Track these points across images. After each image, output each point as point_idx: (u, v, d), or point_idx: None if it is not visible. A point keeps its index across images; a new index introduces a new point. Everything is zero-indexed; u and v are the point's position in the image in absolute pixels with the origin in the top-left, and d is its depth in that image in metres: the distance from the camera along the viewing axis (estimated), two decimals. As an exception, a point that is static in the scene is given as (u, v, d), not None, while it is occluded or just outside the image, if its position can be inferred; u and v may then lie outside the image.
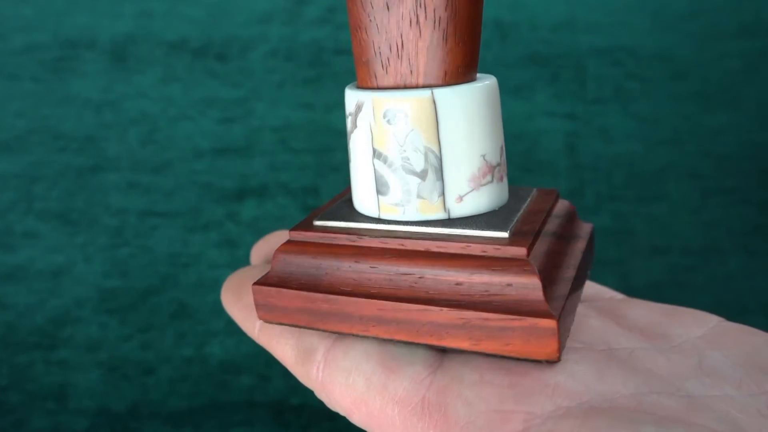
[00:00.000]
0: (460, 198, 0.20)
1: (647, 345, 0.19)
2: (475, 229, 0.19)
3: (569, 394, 0.17)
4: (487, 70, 0.46)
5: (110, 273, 0.44)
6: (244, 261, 0.43)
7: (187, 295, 0.44)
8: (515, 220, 0.20)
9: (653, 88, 0.46)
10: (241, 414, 0.42)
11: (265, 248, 0.29)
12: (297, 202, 0.45)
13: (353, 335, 0.20)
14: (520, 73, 0.46)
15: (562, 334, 0.18)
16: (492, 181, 0.21)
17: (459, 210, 0.20)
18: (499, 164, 0.21)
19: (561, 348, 0.17)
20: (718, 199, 0.45)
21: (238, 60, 0.45)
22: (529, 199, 0.22)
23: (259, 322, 0.22)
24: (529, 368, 0.18)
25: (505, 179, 0.22)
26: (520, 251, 0.18)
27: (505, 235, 0.19)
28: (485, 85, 0.20)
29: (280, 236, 0.28)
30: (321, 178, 0.45)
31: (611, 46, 0.46)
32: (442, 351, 0.19)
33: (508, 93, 0.45)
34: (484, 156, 0.20)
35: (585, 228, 0.24)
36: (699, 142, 0.45)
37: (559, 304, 0.18)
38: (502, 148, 0.21)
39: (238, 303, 0.23)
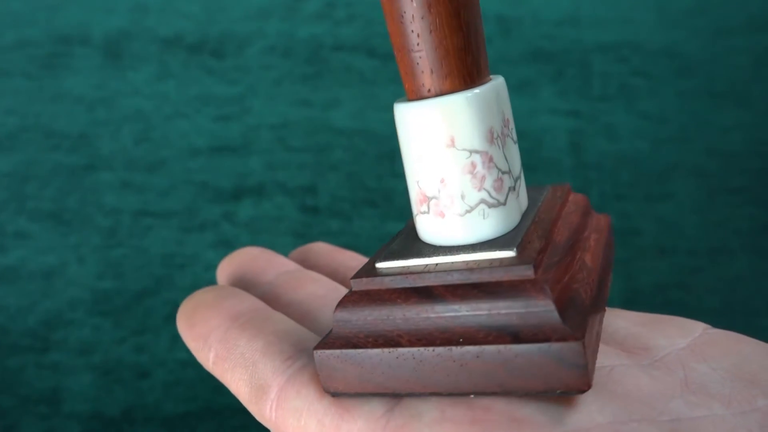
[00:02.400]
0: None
1: (628, 361, 0.18)
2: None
3: (537, 428, 0.16)
4: (490, 67, 0.46)
5: (104, 274, 0.44)
6: (241, 262, 0.43)
7: (182, 297, 0.44)
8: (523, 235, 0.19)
9: (659, 84, 0.45)
10: (237, 419, 0.42)
11: (230, 267, 0.28)
12: (295, 201, 0.44)
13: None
14: (524, 69, 0.45)
15: (591, 357, 0.16)
16: (428, 212, 0.20)
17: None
18: (436, 197, 0.19)
19: (592, 374, 0.16)
20: (726, 199, 0.45)
21: (234, 56, 0.45)
22: (541, 202, 0.21)
23: (213, 353, 0.21)
24: (493, 401, 0.17)
25: (484, 213, 0.20)
26: (527, 271, 0.17)
27: (512, 253, 0.18)
28: (398, 107, 0.20)
29: (247, 254, 0.27)
30: (320, 177, 0.45)
31: (617, 42, 0.45)
32: None
33: (511, 90, 0.45)
34: (418, 182, 0.20)
35: (601, 221, 0.23)
36: (706, 140, 0.45)
37: (581, 322, 0.16)
38: (442, 180, 0.19)
39: (192, 331, 0.22)
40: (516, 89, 0.45)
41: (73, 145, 0.44)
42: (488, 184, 0.19)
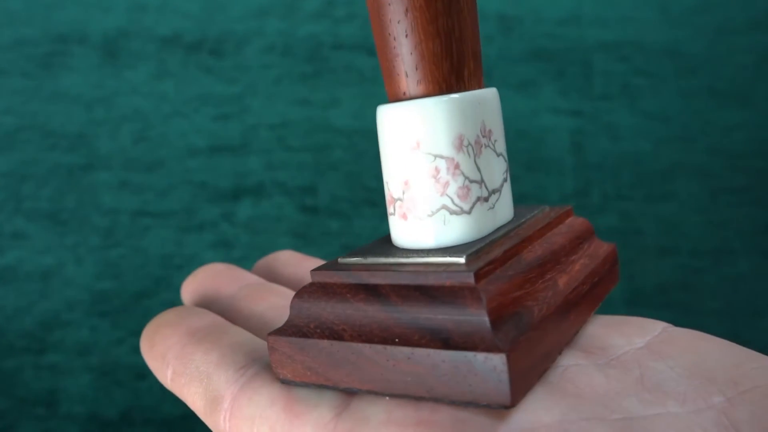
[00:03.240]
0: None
1: (584, 361, 0.18)
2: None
3: (482, 428, 0.16)
4: (490, 65, 0.46)
5: (102, 275, 0.44)
6: (240, 262, 0.43)
7: (180, 298, 0.44)
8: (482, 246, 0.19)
9: (662, 84, 0.45)
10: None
11: (193, 284, 0.28)
12: (294, 201, 0.44)
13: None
14: (525, 68, 0.45)
15: (521, 374, 0.16)
16: (394, 214, 0.20)
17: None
18: (401, 199, 0.20)
19: (519, 391, 0.16)
20: (729, 199, 0.45)
21: (233, 55, 0.45)
22: (526, 219, 0.21)
23: (170, 370, 0.21)
24: (439, 402, 0.17)
25: (444, 218, 0.20)
26: (468, 278, 0.17)
27: (461, 260, 0.18)
28: (378, 108, 0.20)
29: (211, 270, 0.28)
30: (319, 177, 0.45)
31: (618, 40, 0.45)
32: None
33: (512, 89, 0.45)
34: (387, 184, 0.20)
35: (601, 249, 0.22)
36: (709, 140, 0.45)
37: (517, 337, 0.16)
38: (406, 182, 0.20)
39: (152, 351, 0.23)
40: (517, 88, 0.45)
41: (71, 144, 0.44)
42: (451, 190, 0.19)
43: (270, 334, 0.19)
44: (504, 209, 0.21)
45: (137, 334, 0.43)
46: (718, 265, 0.44)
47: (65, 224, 0.44)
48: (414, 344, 0.17)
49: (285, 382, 0.19)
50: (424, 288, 0.17)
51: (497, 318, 0.16)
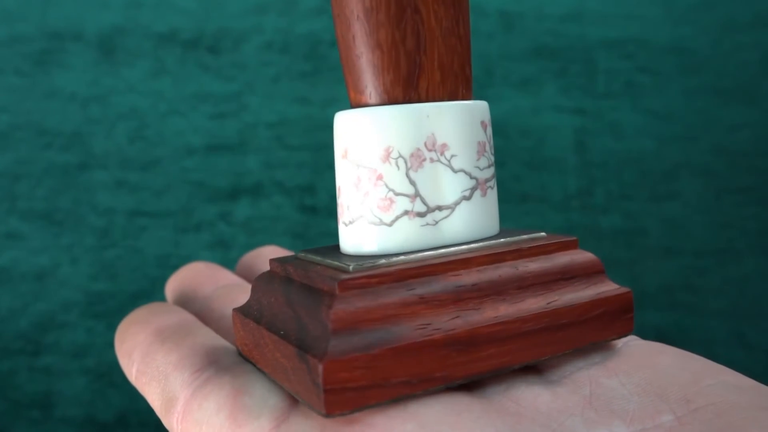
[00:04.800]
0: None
1: (535, 378, 0.18)
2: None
3: None
4: (491, 63, 0.46)
5: (97, 275, 0.44)
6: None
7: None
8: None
9: (666, 81, 0.45)
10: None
11: (175, 283, 0.28)
12: (293, 201, 0.44)
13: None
14: (527, 66, 0.45)
15: (348, 387, 0.16)
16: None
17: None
18: (337, 203, 0.21)
19: (341, 404, 0.16)
20: (734, 198, 0.45)
21: (231, 53, 0.45)
22: (495, 243, 0.20)
23: (135, 367, 0.22)
24: (374, 414, 0.16)
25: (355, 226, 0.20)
26: (333, 285, 0.18)
27: (348, 268, 0.18)
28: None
29: (192, 269, 0.28)
30: (318, 176, 0.45)
31: (622, 38, 0.45)
32: (296, 400, 0.19)
33: (513, 87, 0.45)
34: (339, 187, 0.21)
35: (602, 290, 0.20)
36: (713, 139, 0.45)
37: (356, 350, 0.16)
38: (339, 188, 0.20)
39: (121, 348, 0.23)
40: (519, 86, 0.45)
41: (66, 143, 0.44)
42: (372, 201, 0.20)
43: (235, 308, 0.21)
44: (460, 228, 0.20)
45: (133, 335, 0.43)
46: (722, 265, 0.44)
47: (60, 224, 0.44)
48: (283, 338, 0.18)
49: (241, 356, 0.21)
50: (312, 289, 0.18)
51: (343, 328, 0.17)
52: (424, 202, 0.20)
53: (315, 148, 0.45)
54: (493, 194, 0.21)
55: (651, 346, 0.19)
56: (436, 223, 0.20)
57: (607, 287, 0.21)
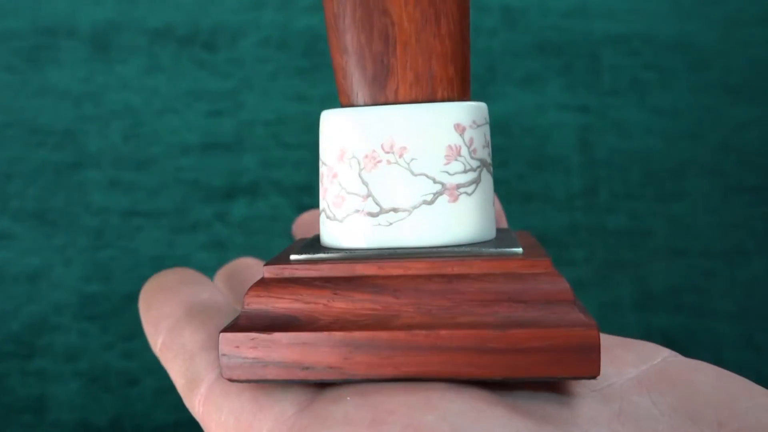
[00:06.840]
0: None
1: (563, 389, 0.18)
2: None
3: None
4: (494, 59, 0.46)
5: (91, 277, 0.44)
6: (234, 264, 0.43)
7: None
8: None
9: (672, 78, 0.45)
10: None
11: (227, 272, 0.29)
12: (291, 201, 0.44)
13: None
14: (530, 62, 0.45)
15: (239, 364, 0.18)
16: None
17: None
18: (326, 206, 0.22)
19: (230, 370, 0.19)
20: (742, 198, 0.45)
21: (227, 49, 0.45)
22: (451, 252, 0.20)
23: (161, 339, 0.22)
24: (399, 405, 0.17)
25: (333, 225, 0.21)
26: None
27: (293, 258, 0.20)
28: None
29: (243, 263, 0.28)
30: (317, 176, 0.45)
31: (627, 33, 0.45)
32: (322, 386, 0.19)
33: (516, 84, 0.45)
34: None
35: (563, 321, 0.18)
36: (721, 137, 0.45)
37: (248, 328, 0.19)
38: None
39: (147, 314, 0.23)
40: (522, 83, 0.45)
41: (59, 141, 0.44)
42: (329, 197, 0.21)
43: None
44: (419, 232, 0.20)
45: (128, 338, 0.43)
46: (730, 266, 0.44)
47: (53, 224, 0.44)
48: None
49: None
50: (261, 279, 0.20)
51: (255, 308, 0.19)
52: (376, 203, 0.20)
53: (313, 146, 0.44)
54: (469, 200, 0.20)
55: (690, 363, 0.19)
56: (390, 224, 0.20)
57: (567, 318, 0.18)
